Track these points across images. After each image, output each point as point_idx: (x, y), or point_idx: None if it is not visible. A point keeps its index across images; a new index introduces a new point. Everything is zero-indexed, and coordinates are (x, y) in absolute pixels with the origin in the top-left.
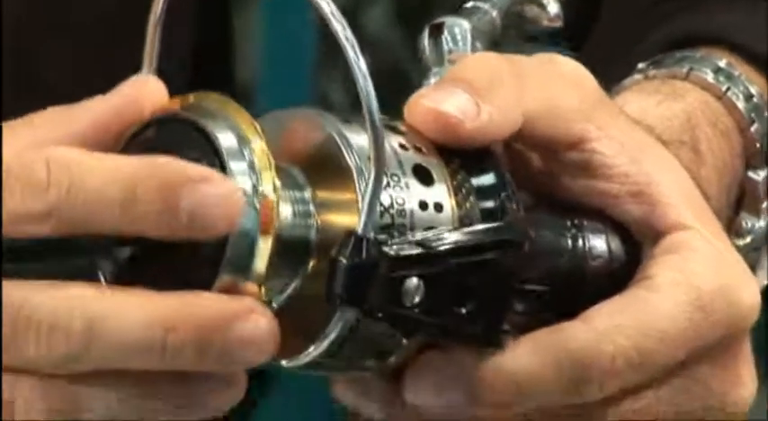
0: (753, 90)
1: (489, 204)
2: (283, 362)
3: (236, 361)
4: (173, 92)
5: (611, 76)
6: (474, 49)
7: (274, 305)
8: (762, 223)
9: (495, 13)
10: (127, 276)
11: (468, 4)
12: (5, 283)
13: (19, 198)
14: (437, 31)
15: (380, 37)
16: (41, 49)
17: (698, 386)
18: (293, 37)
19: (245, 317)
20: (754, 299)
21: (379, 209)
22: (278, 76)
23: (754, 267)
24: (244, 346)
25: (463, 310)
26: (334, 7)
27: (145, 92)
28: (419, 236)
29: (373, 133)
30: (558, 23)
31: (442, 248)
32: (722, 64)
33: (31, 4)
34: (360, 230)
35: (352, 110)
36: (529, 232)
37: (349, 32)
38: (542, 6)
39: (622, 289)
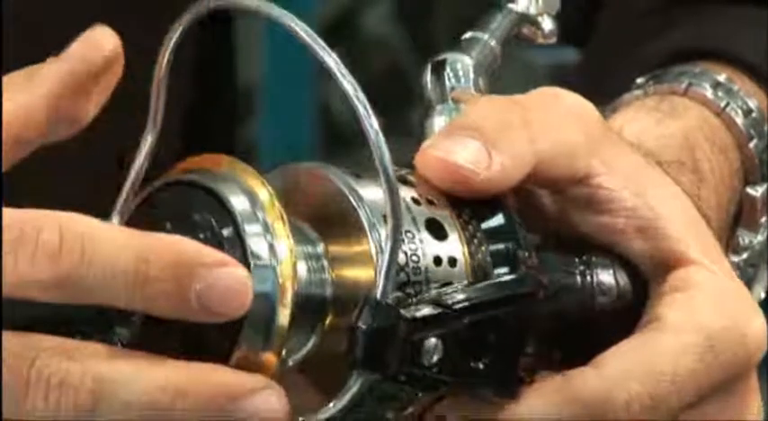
0: (752, 104)
1: (501, 251)
2: (301, 420)
3: None
4: (176, 96)
5: (610, 85)
6: (476, 85)
7: (290, 363)
8: (760, 238)
9: (493, 43)
10: (142, 340)
11: (467, 36)
12: (19, 337)
13: (29, 262)
14: (439, 68)
15: (380, 37)
16: (43, 50)
17: None
18: (295, 42)
19: (257, 393)
20: (762, 334)
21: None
22: (280, 81)
23: (749, 283)
24: None
25: (480, 365)
26: (342, 67)
27: (97, 38)
28: (434, 293)
29: (391, 201)
30: (553, 39)
31: (458, 307)
32: (721, 79)
33: (32, 5)
34: (378, 296)
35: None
36: (542, 281)
37: (360, 93)
38: (537, 25)
39: (631, 324)
